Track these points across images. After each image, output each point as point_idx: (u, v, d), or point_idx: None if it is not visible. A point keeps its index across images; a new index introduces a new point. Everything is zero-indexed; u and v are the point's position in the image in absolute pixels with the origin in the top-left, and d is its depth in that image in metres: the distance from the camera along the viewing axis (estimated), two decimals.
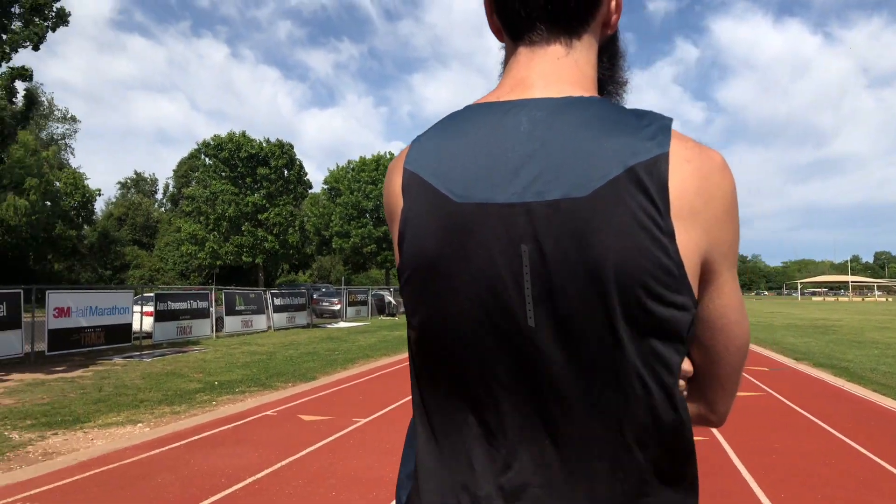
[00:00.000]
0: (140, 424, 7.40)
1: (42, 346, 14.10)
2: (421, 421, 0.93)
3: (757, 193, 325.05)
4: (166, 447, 6.29)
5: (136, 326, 17.17)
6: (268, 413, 8.05)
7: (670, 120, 0.85)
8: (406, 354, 14.72)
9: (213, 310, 20.67)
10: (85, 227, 44.09)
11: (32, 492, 4.91)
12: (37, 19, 12.36)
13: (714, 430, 6.82)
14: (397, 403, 8.65)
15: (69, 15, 12.96)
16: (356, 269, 52.79)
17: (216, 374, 11.62)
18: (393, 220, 0.96)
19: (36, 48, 12.49)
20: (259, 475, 5.28)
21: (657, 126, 0.83)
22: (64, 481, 5.17)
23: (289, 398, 9.19)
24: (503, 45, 1.00)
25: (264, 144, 39.17)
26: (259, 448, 6.20)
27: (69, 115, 54.41)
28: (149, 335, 17.69)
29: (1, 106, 11.97)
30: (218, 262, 39.48)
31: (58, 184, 38.45)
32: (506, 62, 0.97)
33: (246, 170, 38.16)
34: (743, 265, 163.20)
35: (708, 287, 0.86)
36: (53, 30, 12.79)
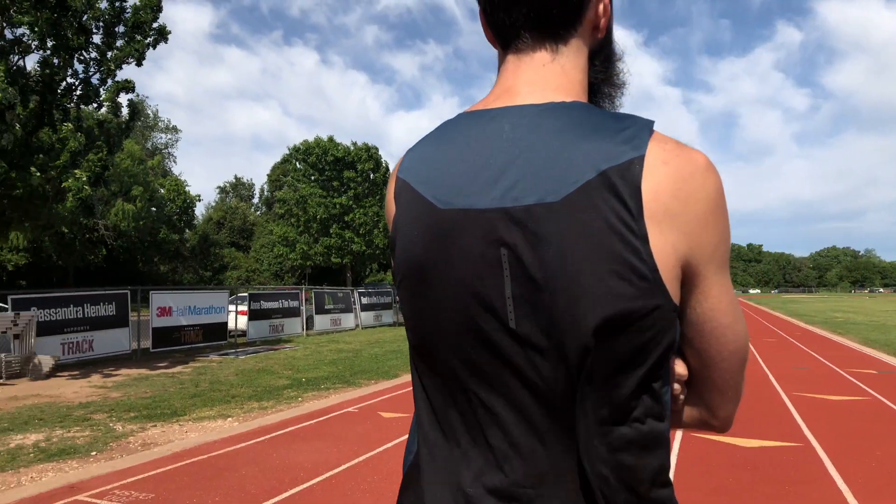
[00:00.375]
0: (230, 419, 7.77)
1: (147, 343, 15.08)
2: (421, 415, 0.95)
3: (871, 184, 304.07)
4: (252, 441, 6.58)
5: (231, 325, 18.04)
6: (350, 409, 8.26)
7: (651, 122, 0.85)
8: None
9: (303, 309, 21.44)
10: (186, 230, 46.84)
11: (129, 480, 5.25)
12: (138, 37, 13.21)
13: (809, 435, 6.45)
14: None
15: (169, 32, 13.78)
16: None
17: (304, 371, 12.04)
18: (389, 227, 0.99)
19: (139, 64, 13.35)
20: (336, 470, 5.43)
21: (635, 129, 0.83)
22: (158, 470, 5.51)
23: (371, 395, 9.40)
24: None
25: (351, 148, 40.29)
26: (339, 443, 6.38)
27: (171, 126, 58.02)
28: (243, 333, 18.56)
29: (108, 119, 12.90)
30: (308, 263, 40.94)
31: (162, 190, 41.01)
32: (498, 70, 0.99)
33: (333, 173, 39.33)
34: (854, 261, 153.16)
35: (694, 290, 0.85)
36: (154, 46, 13.64)
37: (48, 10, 11.50)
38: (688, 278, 0.83)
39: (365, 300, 25.48)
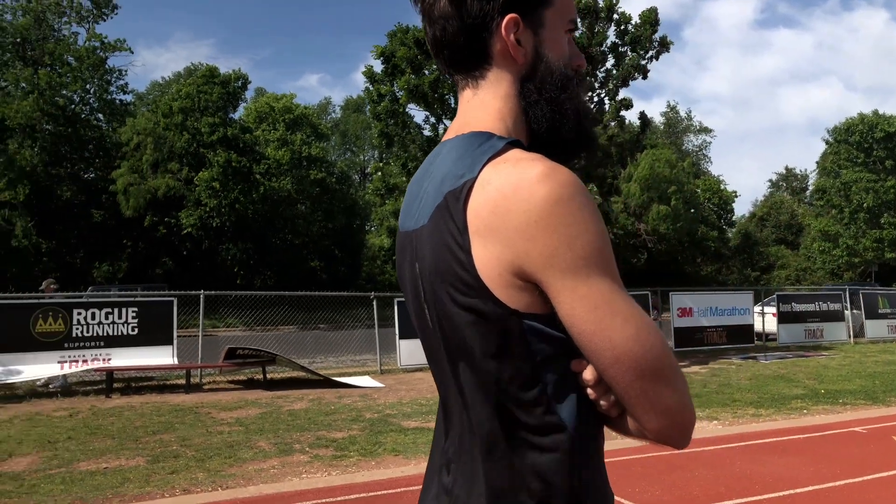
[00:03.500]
0: (716, 421, 7.63)
1: (669, 342, 15.76)
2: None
3: None
4: (723, 445, 6.36)
5: (759, 327, 17.25)
6: (856, 429, 7.10)
7: (501, 145, 0.94)
8: None
9: (849, 313, 18.88)
10: (727, 229, 46.42)
11: None
12: (640, 51, 14.08)
13: None
14: None
15: (671, 43, 14.28)
16: None
17: (829, 383, 10.75)
18: None
19: (644, 77, 14.21)
20: (798, 490, 4.86)
21: (479, 153, 0.94)
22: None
23: (892, 416, 7.82)
24: None
25: None
26: (818, 462, 5.63)
27: (703, 127, 58.71)
28: (773, 336, 17.48)
29: (615, 134, 14.13)
30: (856, 260, 35.38)
31: (698, 191, 41.72)
32: None
33: (883, 152, 32.96)
34: None
35: (548, 297, 0.88)
36: (657, 58, 14.33)
37: None
38: (537, 286, 0.88)
39: None
